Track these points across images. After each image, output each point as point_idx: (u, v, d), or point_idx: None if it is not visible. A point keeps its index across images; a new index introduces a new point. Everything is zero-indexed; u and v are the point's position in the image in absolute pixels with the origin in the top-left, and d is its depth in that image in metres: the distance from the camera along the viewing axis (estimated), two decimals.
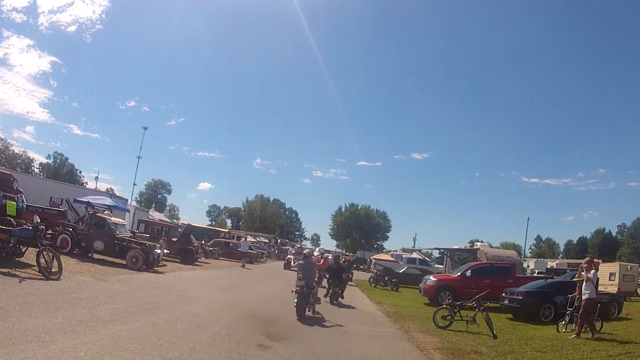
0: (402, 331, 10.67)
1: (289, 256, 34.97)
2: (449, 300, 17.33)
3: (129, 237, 17.70)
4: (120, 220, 19.68)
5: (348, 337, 9.23)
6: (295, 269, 14.93)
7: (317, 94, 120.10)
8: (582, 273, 11.52)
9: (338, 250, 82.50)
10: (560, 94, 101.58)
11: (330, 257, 20.24)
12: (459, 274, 18.87)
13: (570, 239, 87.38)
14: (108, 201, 28.70)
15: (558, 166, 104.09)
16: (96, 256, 17.19)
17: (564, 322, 12.19)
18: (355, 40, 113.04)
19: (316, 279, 12.72)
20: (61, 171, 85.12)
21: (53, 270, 10.88)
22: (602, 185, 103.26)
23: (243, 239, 33.72)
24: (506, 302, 15.02)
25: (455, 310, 11.64)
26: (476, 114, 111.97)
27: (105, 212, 19.80)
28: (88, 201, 21.51)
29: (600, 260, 39.91)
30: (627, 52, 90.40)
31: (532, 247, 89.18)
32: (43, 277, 10.35)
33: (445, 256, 28.39)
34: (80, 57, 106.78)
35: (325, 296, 14.98)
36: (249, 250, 33.16)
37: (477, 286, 16.79)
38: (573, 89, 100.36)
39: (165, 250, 19.12)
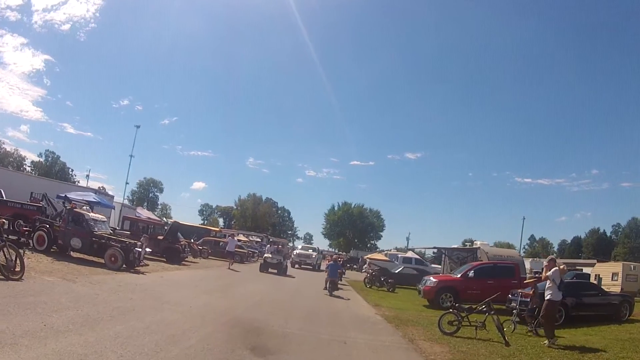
0: (406, 339, 9.52)
1: (266, 255, 27.41)
2: (450, 302, 16.40)
3: (108, 234, 16.51)
4: (100, 216, 18.38)
5: (347, 349, 8.04)
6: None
7: (311, 93, 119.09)
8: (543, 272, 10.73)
9: (331, 249, 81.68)
10: (553, 94, 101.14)
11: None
12: (460, 274, 17.81)
13: (564, 238, 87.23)
14: (91, 197, 27.35)
15: (551, 166, 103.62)
16: (75, 255, 15.97)
17: (510, 321, 11.40)
18: (349, 40, 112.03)
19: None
20: (53, 169, 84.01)
21: (16, 269, 9.72)
22: (596, 185, 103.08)
23: (230, 237, 30.99)
24: (513, 304, 13.97)
25: (463, 315, 10.54)
26: (469, 114, 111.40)
27: (84, 207, 18.50)
28: (65, 195, 20.14)
29: (599, 261, 39.68)
30: (621, 53, 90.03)
31: (526, 246, 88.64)
32: (2, 277, 9.20)
33: (444, 256, 27.37)
34: (74, 56, 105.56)
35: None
36: (237, 250, 31.73)
37: (480, 287, 16.19)
38: (566, 90, 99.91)
39: (147, 249, 17.85)
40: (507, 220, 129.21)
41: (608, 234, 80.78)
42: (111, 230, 18.08)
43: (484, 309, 10.56)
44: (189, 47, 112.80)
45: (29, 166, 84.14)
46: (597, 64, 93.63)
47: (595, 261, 37.07)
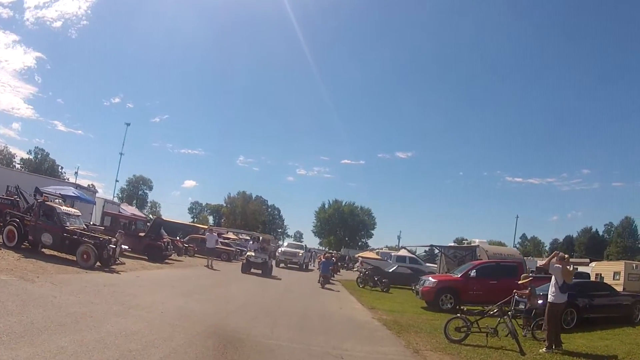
0: (410, 350, 8.28)
1: (248, 253, 24.13)
2: (450, 304, 15.34)
3: (81, 229, 15.18)
4: (74, 210, 17.02)
5: None
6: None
7: (303, 92, 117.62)
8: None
9: (322, 248, 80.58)
10: (544, 94, 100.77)
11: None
12: (461, 274, 16.67)
13: (556, 237, 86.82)
14: (71, 191, 25.90)
15: (542, 166, 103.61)
16: (48, 252, 14.64)
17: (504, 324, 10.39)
18: (341, 39, 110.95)
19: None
20: (42, 167, 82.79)
21: None
22: (587, 185, 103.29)
23: (208, 232, 27.65)
24: (521, 306, 12.88)
25: (472, 320, 9.39)
26: (460, 114, 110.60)
27: (56, 200, 17.08)
28: (36, 187, 18.67)
29: (591, 260, 39.09)
30: (612, 53, 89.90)
31: (517, 245, 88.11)
32: None
33: (440, 254, 26.25)
34: (66, 53, 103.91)
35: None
36: (223, 247, 30.12)
37: (483, 288, 15.20)
38: (557, 89, 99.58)
39: (124, 246, 16.48)
40: (499, 219, 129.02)
41: (600, 233, 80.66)
42: (85, 225, 16.65)
43: (496, 313, 9.43)
44: (180, 46, 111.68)
45: (18, 163, 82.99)
46: (589, 64, 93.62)
47: (588, 260, 36.60)
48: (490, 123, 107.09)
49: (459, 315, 9.68)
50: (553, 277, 9.45)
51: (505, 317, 9.25)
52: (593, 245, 73.26)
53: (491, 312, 9.54)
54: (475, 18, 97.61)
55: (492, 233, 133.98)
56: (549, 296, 9.32)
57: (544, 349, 8.94)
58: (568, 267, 9.73)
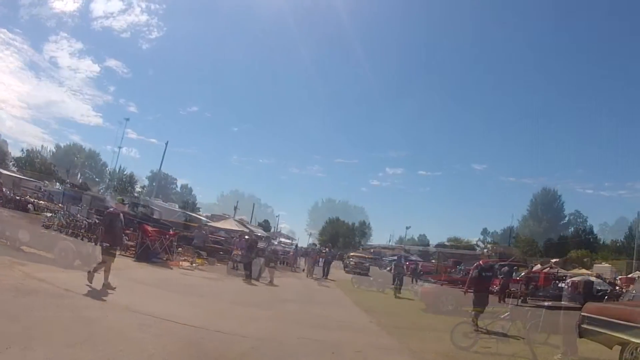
0: None
1: (235, 252, 22.62)
2: (451, 305, 14.62)
3: (61, 225, 14.43)
4: (54, 205, 16.20)
5: None
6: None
7: (296, 90, 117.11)
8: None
9: (316, 246, 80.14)
10: (539, 94, 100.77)
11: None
12: (462, 274, 15.98)
13: (550, 237, 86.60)
14: (56, 187, 25.06)
15: (535, 166, 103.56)
16: (28, 250, 13.57)
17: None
18: (337, 39, 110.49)
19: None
20: (35, 165, 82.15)
21: None
22: (580, 184, 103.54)
23: (197, 230, 26.43)
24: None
25: (482, 325, 8.65)
26: (453, 114, 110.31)
27: (35, 194, 16.26)
28: (13, 182, 17.85)
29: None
30: (606, 51, 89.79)
31: (512, 245, 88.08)
32: None
33: (438, 253, 25.66)
34: (61, 51, 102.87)
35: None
36: (207, 244, 29.10)
37: (486, 288, 14.25)
38: (552, 89, 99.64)
39: (105, 244, 15.58)
40: (494, 218, 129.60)
41: (594, 232, 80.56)
42: (65, 221, 15.84)
43: (507, 317, 8.69)
44: (175, 43, 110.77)
45: (11, 162, 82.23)
46: (588, 63, 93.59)
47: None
48: (484, 122, 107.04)
49: (466, 319, 8.92)
50: (568, 279, 8.84)
51: (517, 320, 8.54)
52: (587, 245, 73.10)
53: (502, 316, 8.80)
54: (470, 15, 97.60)
55: (487, 232, 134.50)
56: (564, 298, 8.70)
57: (559, 356, 8.32)
58: (585, 268, 9.12)
